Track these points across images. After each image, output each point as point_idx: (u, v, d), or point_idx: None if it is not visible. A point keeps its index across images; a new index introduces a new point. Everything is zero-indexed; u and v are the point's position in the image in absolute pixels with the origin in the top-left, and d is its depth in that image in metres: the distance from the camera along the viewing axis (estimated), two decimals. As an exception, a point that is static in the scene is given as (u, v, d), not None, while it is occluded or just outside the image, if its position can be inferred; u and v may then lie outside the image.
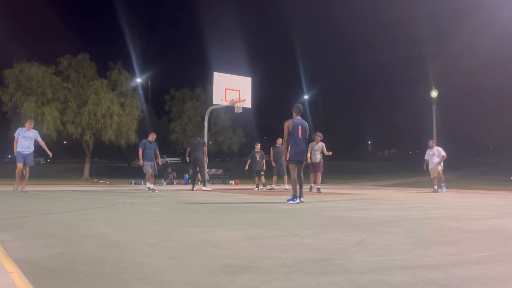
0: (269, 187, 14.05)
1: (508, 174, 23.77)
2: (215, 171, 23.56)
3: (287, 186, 13.28)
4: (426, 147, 13.66)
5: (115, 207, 6.63)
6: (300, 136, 7.52)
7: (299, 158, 7.53)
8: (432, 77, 26.46)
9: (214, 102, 15.33)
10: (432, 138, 14.15)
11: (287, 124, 7.51)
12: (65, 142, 33.14)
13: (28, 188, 13.07)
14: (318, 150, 12.25)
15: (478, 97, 48.62)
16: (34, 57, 28.35)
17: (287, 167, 8.49)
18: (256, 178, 14.33)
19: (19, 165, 10.81)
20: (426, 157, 13.38)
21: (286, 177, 13.53)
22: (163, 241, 3.29)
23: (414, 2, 60.64)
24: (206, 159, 13.07)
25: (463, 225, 4.47)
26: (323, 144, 12.39)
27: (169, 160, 38.94)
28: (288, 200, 7.47)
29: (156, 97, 44.04)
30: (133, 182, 19.42)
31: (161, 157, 12.36)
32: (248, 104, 15.42)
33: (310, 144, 12.12)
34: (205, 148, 13.27)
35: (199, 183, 20.19)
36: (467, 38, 44.61)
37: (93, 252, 2.80)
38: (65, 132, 26.42)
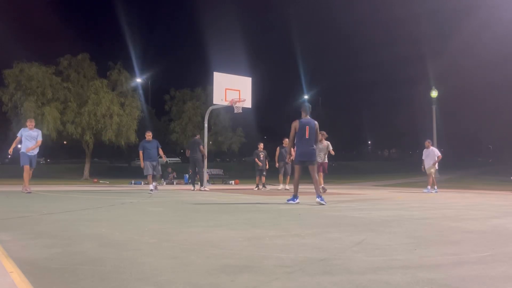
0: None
1: (508, 174, 23.78)
2: (215, 171, 23.55)
3: (287, 186, 13.26)
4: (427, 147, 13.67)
5: (115, 207, 6.63)
6: (307, 137, 7.43)
7: (304, 159, 7.49)
8: (432, 77, 26.47)
9: (214, 102, 15.32)
10: (429, 139, 14.15)
11: (294, 125, 7.50)
12: (65, 142, 33.13)
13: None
14: (322, 150, 11.61)
15: (478, 97, 48.64)
16: (34, 57, 28.31)
17: (292, 167, 8.46)
18: (257, 178, 14.31)
19: (26, 167, 10.52)
20: (423, 157, 13.37)
21: (289, 177, 13.43)
22: (163, 241, 3.29)
23: (414, 2, 60.62)
24: (204, 157, 12.88)
25: (463, 225, 4.47)
26: (328, 143, 11.82)
27: (169, 160, 38.92)
28: (288, 200, 7.47)
29: (156, 97, 44.04)
30: (133, 182, 19.42)
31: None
32: (248, 104, 15.41)
33: None
34: (201, 147, 13.16)
35: (199, 183, 20.21)
36: (467, 38, 44.60)
37: (93, 252, 2.80)
38: (65, 132, 26.40)
